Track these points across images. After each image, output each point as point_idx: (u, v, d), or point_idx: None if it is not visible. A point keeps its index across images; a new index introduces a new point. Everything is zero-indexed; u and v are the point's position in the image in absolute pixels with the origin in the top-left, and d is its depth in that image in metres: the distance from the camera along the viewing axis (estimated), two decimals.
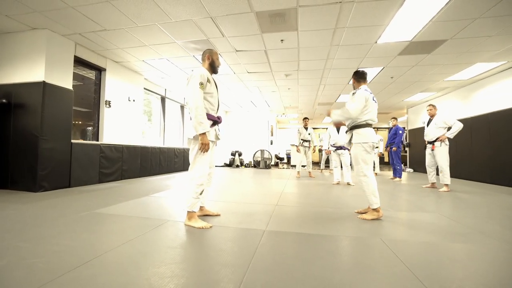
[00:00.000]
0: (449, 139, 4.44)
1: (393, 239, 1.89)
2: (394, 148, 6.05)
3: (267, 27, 3.72)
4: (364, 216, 2.48)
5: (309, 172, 6.69)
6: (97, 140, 4.87)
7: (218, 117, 2.27)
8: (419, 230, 2.14)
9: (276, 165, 12.18)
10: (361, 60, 4.99)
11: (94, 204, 2.89)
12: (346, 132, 2.71)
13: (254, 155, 10.28)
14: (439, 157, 4.44)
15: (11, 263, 1.38)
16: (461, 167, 6.51)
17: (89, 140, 4.84)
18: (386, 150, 6.48)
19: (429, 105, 4.76)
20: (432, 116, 4.67)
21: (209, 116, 2.18)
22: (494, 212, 2.86)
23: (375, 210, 2.46)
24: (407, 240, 1.89)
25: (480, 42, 4.07)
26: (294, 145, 6.97)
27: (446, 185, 4.34)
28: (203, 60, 2.31)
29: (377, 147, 7.76)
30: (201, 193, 2.15)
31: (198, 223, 2.11)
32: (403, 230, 2.18)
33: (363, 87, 2.60)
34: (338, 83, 6.63)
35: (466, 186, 5.09)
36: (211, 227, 2.10)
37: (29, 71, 3.76)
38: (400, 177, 6.03)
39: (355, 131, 2.54)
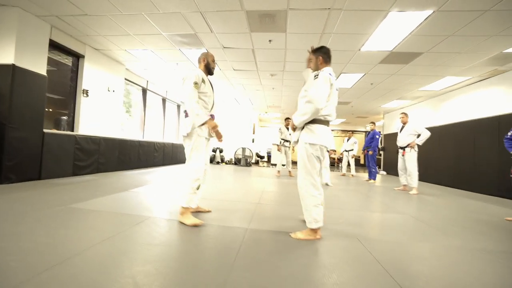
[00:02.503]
0: (418, 145, 4.78)
1: (368, 239, 2.02)
2: (370, 152, 6.35)
3: (256, 27, 3.74)
4: (297, 234, 1.95)
5: (289, 171, 6.84)
6: (72, 131, 4.61)
7: (212, 115, 2.33)
8: (391, 230, 2.30)
9: (257, 163, 12.27)
10: (344, 65, 5.18)
11: (69, 198, 2.75)
12: (295, 129, 2.08)
13: (235, 152, 10.27)
14: (408, 162, 4.77)
15: None
16: (429, 172, 7.00)
17: (64, 130, 4.56)
18: (363, 153, 6.79)
19: (402, 113, 5.08)
20: (404, 123, 4.99)
21: None
22: (455, 214, 3.14)
23: (312, 229, 1.93)
24: (381, 240, 2.02)
25: (451, 57, 4.40)
26: (275, 144, 7.09)
27: (415, 188, 4.67)
28: (199, 62, 2.42)
29: (351, 150, 8.07)
30: (197, 188, 2.18)
31: (191, 219, 2.11)
32: (377, 230, 2.33)
33: (327, 69, 1.99)
34: None
35: (433, 189, 5.50)
36: (202, 224, 2.11)
37: None
38: (374, 179, 6.36)
39: (307, 127, 1.96)
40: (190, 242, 1.77)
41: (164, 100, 8.34)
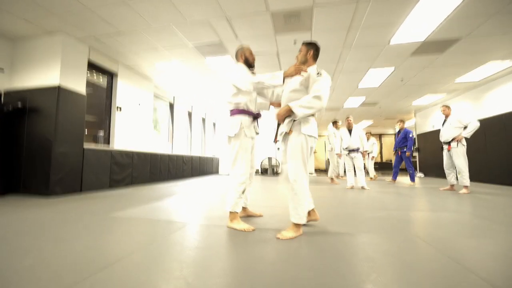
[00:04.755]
0: (466, 139, 4.33)
1: (427, 237, 1.78)
2: (407, 153, 5.88)
3: (281, 28, 3.72)
4: (284, 234, 1.76)
5: (332, 178, 6.31)
6: (108, 145, 4.82)
7: (258, 113, 2.21)
8: (450, 228, 2.03)
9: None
10: (372, 61, 4.96)
11: (110, 208, 2.81)
12: (286, 121, 1.94)
13: (262, 162, 10.17)
14: (456, 157, 4.32)
15: (37, 264, 1.29)
16: (478, 169, 6.34)
17: (101, 144, 4.78)
18: (394, 153, 6.32)
19: (443, 105, 4.68)
20: (447, 116, 4.59)
21: (249, 112, 2.12)
22: None
23: (297, 225, 1.81)
24: (443, 237, 1.78)
25: (495, 39, 4.02)
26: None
27: (466, 187, 4.20)
28: (236, 59, 2.28)
29: (370, 152, 7.60)
30: (243, 192, 2.05)
31: (241, 225, 1.97)
32: (433, 228, 2.07)
33: (314, 67, 1.98)
34: (347, 86, 6.60)
35: (486, 188, 4.94)
36: (254, 230, 1.95)
37: (45, 76, 3.75)
38: (413, 181, 5.88)
39: (305, 120, 1.88)
40: (236, 245, 1.66)
41: (190, 114, 8.57)
